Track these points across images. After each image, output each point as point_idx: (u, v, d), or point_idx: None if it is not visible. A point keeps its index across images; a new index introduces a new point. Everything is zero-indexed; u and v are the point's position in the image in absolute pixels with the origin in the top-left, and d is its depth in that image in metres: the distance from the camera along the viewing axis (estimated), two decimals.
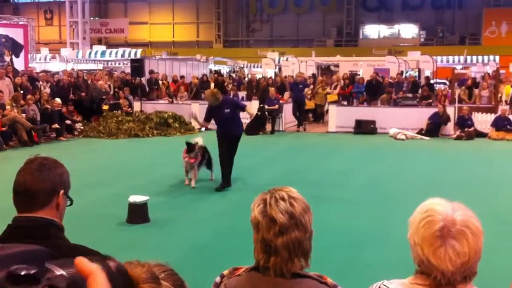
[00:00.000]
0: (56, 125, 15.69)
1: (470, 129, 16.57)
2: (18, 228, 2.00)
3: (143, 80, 20.90)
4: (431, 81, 22.26)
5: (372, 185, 9.71)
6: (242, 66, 37.71)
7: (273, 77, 23.40)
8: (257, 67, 36.74)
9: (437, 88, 21.18)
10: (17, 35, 21.81)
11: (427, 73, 24.78)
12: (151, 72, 22.06)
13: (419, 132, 16.72)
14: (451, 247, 1.56)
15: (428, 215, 1.62)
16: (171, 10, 50.73)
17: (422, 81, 21.82)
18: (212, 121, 9.71)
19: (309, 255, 1.83)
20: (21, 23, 23.41)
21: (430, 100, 18.82)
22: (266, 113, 17.85)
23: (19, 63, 21.18)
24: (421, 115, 17.12)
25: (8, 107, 14.69)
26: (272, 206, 1.79)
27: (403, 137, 16.31)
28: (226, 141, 9.36)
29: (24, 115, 14.70)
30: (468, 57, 34.81)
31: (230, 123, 9.38)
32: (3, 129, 13.95)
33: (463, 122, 16.85)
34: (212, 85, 20.81)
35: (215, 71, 32.28)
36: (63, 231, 2.09)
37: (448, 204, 1.64)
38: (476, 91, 19.68)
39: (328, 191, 9.11)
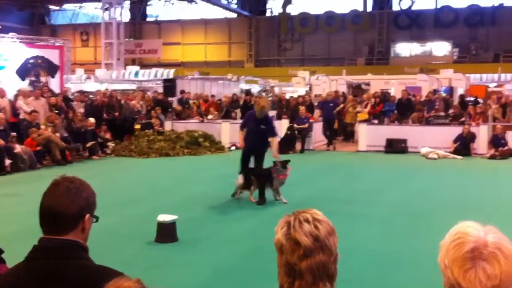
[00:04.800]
0: (90, 143, 15.94)
1: (504, 148, 16.23)
2: (43, 249, 2.04)
3: (174, 99, 21.15)
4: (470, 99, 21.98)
5: (403, 205, 9.57)
6: (273, 85, 37.87)
7: (303, 96, 23.40)
8: (288, 86, 36.85)
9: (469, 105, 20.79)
10: (53, 56, 22.34)
11: (460, 91, 24.43)
12: (182, 92, 22.33)
13: (452, 152, 16.45)
14: (481, 269, 1.51)
15: (458, 237, 1.59)
16: (204, 31, 51.43)
17: (455, 100, 21.56)
18: None
19: (334, 279, 1.79)
20: (57, 44, 24.00)
21: (463, 119, 18.52)
22: (296, 132, 17.82)
23: (54, 84, 21.68)
24: (453, 134, 16.85)
25: (43, 126, 15.00)
26: (296, 229, 1.76)
27: (435, 156, 16.05)
28: (248, 156, 9.75)
29: (58, 134, 14.98)
30: (503, 75, 34.25)
31: (258, 139, 9.65)
32: (38, 148, 14.24)
33: (497, 141, 16.53)
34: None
35: (245, 90, 32.45)
36: (87, 251, 2.11)
37: (479, 227, 1.61)
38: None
39: (358, 211, 9.01)
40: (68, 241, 2.04)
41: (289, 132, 17.87)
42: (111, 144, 17.11)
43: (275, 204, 9.54)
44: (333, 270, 1.78)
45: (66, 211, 2.03)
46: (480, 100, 23.94)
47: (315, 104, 21.46)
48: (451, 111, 19.57)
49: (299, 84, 31.44)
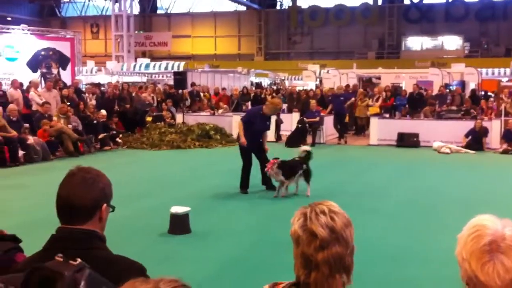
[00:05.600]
0: (102, 135, 16.02)
1: None
2: (61, 239, 2.05)
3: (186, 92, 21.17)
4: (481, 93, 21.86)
5: (414, 200, 9.53)
6: (283, 78, 37.81)
7: (313, 90, 23.37)
8: (298, 79, 36.78)
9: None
10: (64, 48, 22.39)
11: (472, 85, 24.30)
12: (193, 84, 22.35)
13: (464, 146, 16.36)
14: (500, 262, 1.51)
15: (476, 229, 1.58)
16: (213, 24, 51.39)
17: (467, 94, 21.44)
18: None
19: (350, 271, 1.79)
20: (68, 36, 24.05)
21: (475, 113, 18.41)
22: (307, 125, 17.78)
23: (66, 76, 21.74)
24: (466, 128, 16.75)
25: (55, 118, 15.08)
26: (312, 220, 1.76)
27: (447, 150, 15.97)
28: (251, 153, 9.78)
29: (70, 126, 15.06)
30: None
31: (261, 136, 9.86)
32: (51, 139, 14.29)
33: (510, 136, 16.40)
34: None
35: (256, 83, 32.44)
36: (104, 241, 2.12)
37: (497, 220, 1.60)
38: None
39: (369, 205, 8.99)
40: (86, 231, 2.05)
41: (299, 125, 17.84)
42: (122, 137, 17.17)
43: (288, 196, 9.54)
44: (349, 262, 1.78)
45: (82, 201, 2.04)
46: (491, 94, 23.80)
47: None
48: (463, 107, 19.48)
49: (309, 78, 31.35)
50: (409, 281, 5.58)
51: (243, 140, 9.66)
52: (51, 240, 2.06)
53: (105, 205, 2.10)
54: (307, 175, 9.58)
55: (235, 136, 18.01)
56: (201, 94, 22.31)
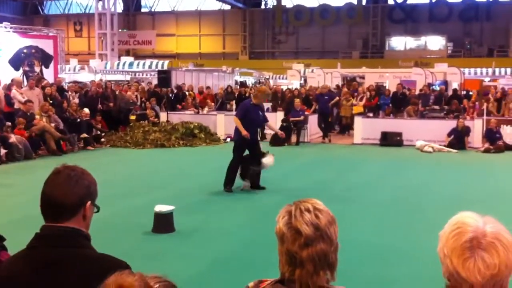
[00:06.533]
0: (85, 135, 15.92)
1: (500, 142, 16.30)
2: (45, 237, 2.03)
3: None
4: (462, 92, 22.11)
5: (398, 198, 9.59)
6: (267, 77, 37.85)
7: (298, 89, 23.45)
8: (283, 78, 36.84)
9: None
10: (47, 46, 22.18)
11: (455, 85, 24.54)
12: (179, 87, 22.25)
13: (446, 145, 16.51)
14: (480, 258, 1.53)
15: (458, 226, 1.60)
16: (198, 22, 51.26)
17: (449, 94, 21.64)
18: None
19: (335, 268, 1.81)
20: (51, 34, 23.81)
21: (459, 114, 18.59)
22: (291, 124, 17.82)
23: (48, 74, 21.54)
24: (448, 128, 16.90)
25: (37, 116, 14.93)
26: (297, 218, 1.77)
27: (430, 149, 16.11)
28: (245, 148, 9.76)
29: (53, 124, 14.93)
30: (497, 69, 34.39)
31: (257, 129, 9.71)
32: (35, 136, 14.13)
33: (491, 135, 16.59)
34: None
35: (240, 82, 32.44)
36: (89, 240, 2.10)
37: (479, 217, 1.62)
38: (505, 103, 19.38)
39: (353, 204, 9.03)
40: (70, 229, 2.03)
41: (284, 124, 17.87)
42: (104, 136, 17.06)
43: (272, 195, 9.56)
44: (333, 259, 1.79)
45: (67, 198, 2.03)
46: (471, 93, 24.05)
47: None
48: (446, 106, 19.65)
49: (294, 77, 31.42)
50: (394, 280, 5.61)
51: (245, 133, 9.57)
52: (36, 238, 2.04)
53: (89, 202, 2.08)
54: (243, 170, 9.81)
55: (219, 134, 18.05)
56: (186, 93, 22.24)
